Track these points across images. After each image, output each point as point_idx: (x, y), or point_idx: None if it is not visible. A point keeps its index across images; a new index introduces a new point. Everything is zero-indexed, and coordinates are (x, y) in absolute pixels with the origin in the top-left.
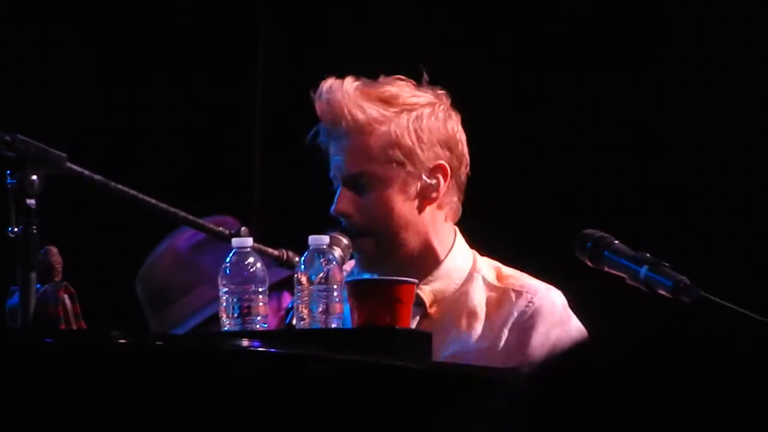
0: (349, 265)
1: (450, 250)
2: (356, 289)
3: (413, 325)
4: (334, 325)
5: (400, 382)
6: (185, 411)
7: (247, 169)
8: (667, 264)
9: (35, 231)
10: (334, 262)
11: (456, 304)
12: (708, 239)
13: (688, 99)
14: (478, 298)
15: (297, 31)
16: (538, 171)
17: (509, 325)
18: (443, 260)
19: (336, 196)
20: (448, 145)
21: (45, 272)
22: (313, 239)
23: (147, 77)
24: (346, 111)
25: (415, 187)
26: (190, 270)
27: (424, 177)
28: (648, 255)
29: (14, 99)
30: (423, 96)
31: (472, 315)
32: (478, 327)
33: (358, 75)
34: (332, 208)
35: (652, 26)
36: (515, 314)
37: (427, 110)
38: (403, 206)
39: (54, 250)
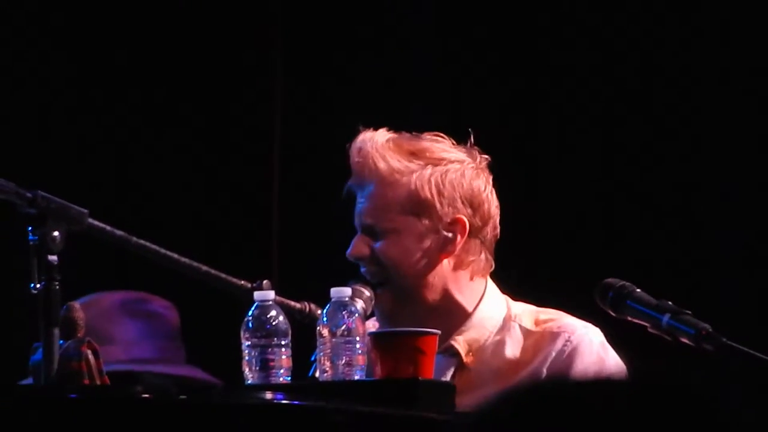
0: (370, 322)
1: (480, 301)
2: (378, 340)
3: (449, 375)
4: (356, 377)
5: None
6: None
7: (267, 221)
8: (689, 312)
9: (57, 287)
10: (357, 314)
11: (494, 353)
12: (731, 285)
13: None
14: (517, 345)
15: (315, 76)
16: (559, 218)
17: (548, 364)
18: (473, 312)
19: (353, 241)
20: (471, 202)
21: (67, 328)
22: (335, 291)
23: (163, 129)
24: (370, 161)
25: (431, 240)
26: (112, 324)
27: (441, 230)
28: (670, 303)
29: (35, 155)
30: (454, 153)
31: (511, 363)
32: (520, 374)
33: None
34: (348, 251)
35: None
36: (553, 354)
37: (454, 166)
38: (418, 258)
39: (76, 305)
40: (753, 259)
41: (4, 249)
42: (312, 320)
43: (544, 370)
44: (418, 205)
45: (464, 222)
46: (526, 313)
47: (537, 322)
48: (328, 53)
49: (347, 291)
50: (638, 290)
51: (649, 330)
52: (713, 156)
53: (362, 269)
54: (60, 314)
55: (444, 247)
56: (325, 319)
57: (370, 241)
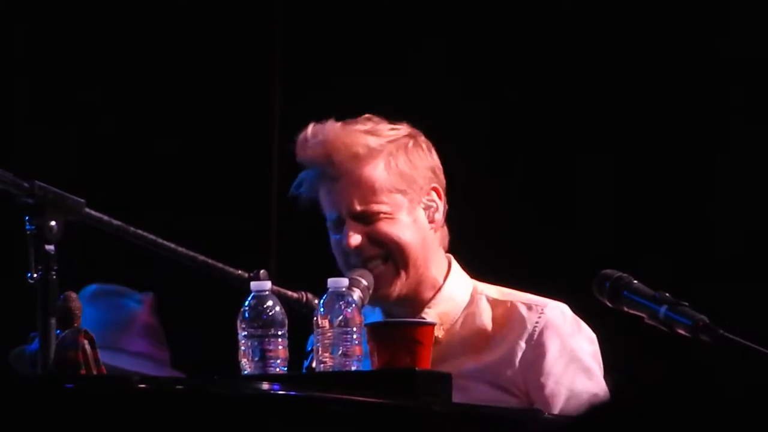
0: None
1: (447, 275)
2: (375, 331)
3: None
4: (353, 368)
5: (421, 423)
6: None
7: (265, 211)
8: (686, 303)
9: (54, 277)
10: (354, 305)
11: (463, 325)
12: (728, 275)
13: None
14: (485, 316)
15: (314, 67)
16: (555, 212)
17: (524, 338)
18: (442, 285)
19: (345, 233)
20: (435, 172)
21: (64, 318)
22: (332, 282)
23: (162, 120)
24: (341, 146)
25: (418, 211)
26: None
27: (424, 200)
28: (667, 294)
29: (32, 145)
30: (401, 128)
31: (481, 333)
32: (490, 343)
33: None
34: (346, 243)
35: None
36: (529, 327)
37: (411, 142)
38: (414, 231)
39: (73, 295)
40: (751, 250)
41: (0, 239)
42: (309, 310)
43: (522, 344)
44: (401, 182)
45: (438, 189)
46: (490, 288)
47: (503, 294)
48: (327, 51)
49: (344, 281)
50: (635, 281)
51: (646, 321)
52: (711, 150)
53: (353, 260)
54: (57, 304)
55: (431, 215)
56: (322, 309)
57: (363, 227)
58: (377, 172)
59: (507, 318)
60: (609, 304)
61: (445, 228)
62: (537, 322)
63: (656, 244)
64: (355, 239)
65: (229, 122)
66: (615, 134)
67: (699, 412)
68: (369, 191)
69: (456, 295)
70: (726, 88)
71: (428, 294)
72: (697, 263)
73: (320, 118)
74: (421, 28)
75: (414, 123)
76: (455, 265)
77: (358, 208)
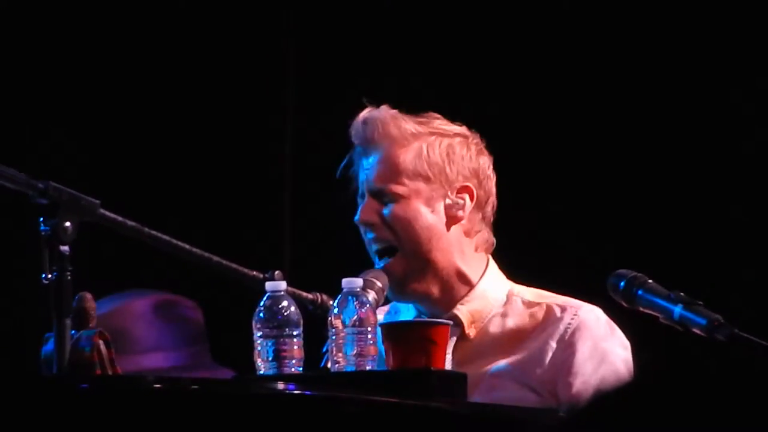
0: (381, 311)
1: (483, 274)
2: (390, 331)
3: (450, 345)
4: (368, 368)
5: (436, 424)
6: None
7: (279, 211)
8: (701, 303)
9: (69, 277)
10: (368, 305)
11: (497, 326)
12: (741, 275)
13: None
14: (519, 318)
15: (327, 70)
16: (569, 211)
17: (556, 338)
18: (477, 283)
19: (360, 206)
20: (477, 176)
21: (79, 318)
22: (346, 282)
23: (176, 121)
24: (380, 126)
25: (441, 205)
26: (148, 332)
27: (449, 194)
28: (682, 294)
29: (47, 146)
30: (456, 127)
31: (514, 334)
32: (522, 343)
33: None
34: (356, 217)
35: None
36: (561, 328)
37: (459, 139)
38: (428, 221)
39: (88, 296)
40: (764, 248)
41: (16, 240)
42: (324, 311)
43: (553, 344)
44: (428, 170)
45: (472, 190)
46: (528, 291)
47: (539, 297)
48: (339, 48)
49: (359, 282)
50: (650, 281)
51: (661, 320)
52: (722, 145)
53: (369, 236)
54: (72, 304)
55: (453, 213)
56: (336, 309)
57: (379, 206)
58: (405, 154)
59: (541, 319)
60: (624, 304)
61: (486, 233)
62: (570, 323)
63: (671, 243)
64: (366, 214)
65: (243, 124)
66: (628, 134)
67: (706, 408)
68: (391, 170)
69: (490, 294)
70: (731, 89)
71: (462, 291)
72: (712, 262)
73: (332, 124)
74: (424, 29)
75: None
76: (492, 264)
77: (378, 185)
